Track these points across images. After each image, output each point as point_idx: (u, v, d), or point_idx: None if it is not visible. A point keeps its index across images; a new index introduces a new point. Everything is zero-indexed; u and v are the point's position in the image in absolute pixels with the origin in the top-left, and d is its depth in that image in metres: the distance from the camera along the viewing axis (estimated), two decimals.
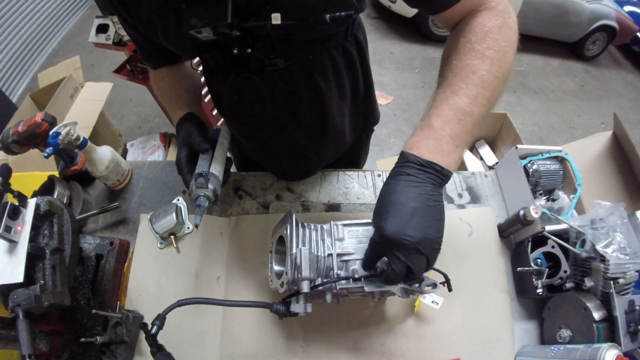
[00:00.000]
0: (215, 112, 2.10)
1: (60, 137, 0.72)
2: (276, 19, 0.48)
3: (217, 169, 0.65)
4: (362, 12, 0.62)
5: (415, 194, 0.43)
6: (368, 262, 0.52)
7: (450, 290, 0.62)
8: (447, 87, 0.48)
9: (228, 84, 0.67)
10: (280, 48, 0.59)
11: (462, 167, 1.70)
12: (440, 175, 0.45)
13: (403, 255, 0.44)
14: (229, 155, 0.73)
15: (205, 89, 0.86)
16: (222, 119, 2.20)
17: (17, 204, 0.61)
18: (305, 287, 0.54)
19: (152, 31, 0.60)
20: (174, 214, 0.80)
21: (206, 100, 1.99)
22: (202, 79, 0.84)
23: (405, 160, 0.46)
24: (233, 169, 1.12)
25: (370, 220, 0.63)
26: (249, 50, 0.58)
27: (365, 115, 0.88)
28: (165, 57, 0.74)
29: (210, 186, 0.61)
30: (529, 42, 3.63)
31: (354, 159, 1.01)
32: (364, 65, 0.75)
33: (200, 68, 0.76)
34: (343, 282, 0.56)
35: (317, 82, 0.65)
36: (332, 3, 0.51)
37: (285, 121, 0.72)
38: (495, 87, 0.47)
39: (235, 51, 0.58)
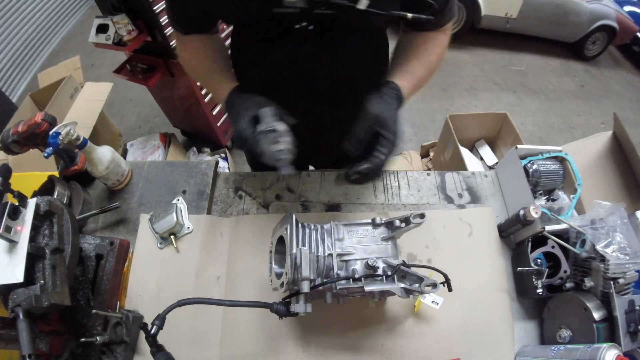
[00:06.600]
0: (215, 111, 2.10)
1: (60, 137, 0.72)
2: (363, 4, 0.53)
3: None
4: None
5: (391, 102, 0.66)
6: (360, 134, 0.63)
7: (450, 290, 0.62)
8: (411, 64, 0.72)
9: (273, 58, 0.69)
10: (339, 31, 0.64)
11: (462, 167, 1.70)
12: (402, 100, 0.68)
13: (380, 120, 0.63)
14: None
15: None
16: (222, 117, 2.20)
17: (17, 204, 0.61)
18: (305, 287, 0.54)
19: None
20: (174, 214, 0.80)
21: (207, 100, 2.00)
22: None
23: (393, 87, 0.68)
24: (245, 168, 1.12)
25: (369, 220, 0.64)
26: (311, 27, 0.61)
27: None
28: (196, 23, 0.72)
29: (287, 138, 0.61)
30: (529, 42, 3.63)
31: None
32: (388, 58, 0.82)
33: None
34: (343, 282, 0.56)
35: (356, 67, 0.72)
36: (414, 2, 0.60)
37: (319, 103, 0.76)
38: (428, 72, 0.75)
39: (297, 26, 0.61)
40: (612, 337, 0.63)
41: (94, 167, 0.82)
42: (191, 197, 0.89)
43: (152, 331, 0.54)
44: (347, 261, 0.59)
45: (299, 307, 0.57)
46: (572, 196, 0.84)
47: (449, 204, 0.90)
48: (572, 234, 0.74)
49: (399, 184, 0.93)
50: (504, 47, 3.62)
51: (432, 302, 0.72)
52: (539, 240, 0.75)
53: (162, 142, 2.16)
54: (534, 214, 0.70)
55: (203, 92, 1.96)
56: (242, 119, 0.63)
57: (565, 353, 0.59)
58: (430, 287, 0.56)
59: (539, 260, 0.74)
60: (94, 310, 0.65)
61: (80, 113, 1.79)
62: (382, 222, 0.63)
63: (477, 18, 3.31)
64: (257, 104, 0.64)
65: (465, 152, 1.86)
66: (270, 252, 0.64)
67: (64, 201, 0.81)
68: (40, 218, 0.63)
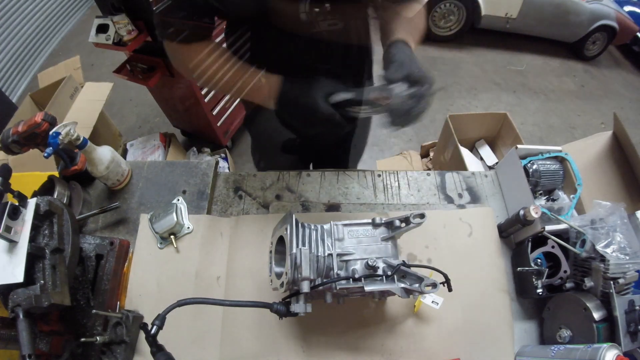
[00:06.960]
0: (216, 111, 2.10)
1: (60, 137, 0.72)
2: None
3: None
4: None
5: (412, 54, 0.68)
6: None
7: (450, 290, 0.62)
8: (409, 29, 0.73)
9: (289, 48, 0.73)
10: (350, 11, 0.69)
11: (462, 167, 1.70)
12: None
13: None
14: None
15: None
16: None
17: (17, 204, 0.61)
18: (305, 287, 0.54)
19: None
20: (174, 214, 0.80)
21: (207, 100, 2.00)
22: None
23: (407, 43, 0.69)
24: (249, 169, 1.14)
25: (369, 220, 0.64)
26: (327, 5, 0.65)
27: None
28: (201, 30, 0.67)
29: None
30: (529, 42, 3.62)
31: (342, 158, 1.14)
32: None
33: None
34: (343, 282, 0.56)
35: (362, 49, 0.79)
36: None
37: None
38: (421, 35, 0.77)
39: (317, 9, 0.65)
40: (612, 337, 0.63)
41: (94, 167, 0.82)
42: (191, 197, 0.89)
43: (152, 331, 0.54)
44: (347, 261, 0.59)
45: (299, 307, 0.57)
46: (572, 196, 0.84)
47: (449, 204, 0.90)
48: (572, 234, 0.74)
49: (399, 184, 0.93)
50: (504, 47, 3.61)
51: (432, 302, 0.72)
52: (539, 240, 0.75)
53: (162, 142, 2.15)
54: (534, 214, 0.70)
55: (203, 92, 1.96)
56: (321, 103, 0.61)
57: (565, 353, 0.60)
58: (430, 287, 0.56)
59: (539, 260, 0.74)
60: (94, 310, 0.65)
61: (80, 113, 1.79)
62: (382, 222, 0.63)
63: (477, 18, 3.30)
64: (322, 86, 0.63)
65: (465, 152, 1.86)
66: (270, 252, 0.64)
67: (64, 201, 0.81)
68: (40, 218, 0.63)
